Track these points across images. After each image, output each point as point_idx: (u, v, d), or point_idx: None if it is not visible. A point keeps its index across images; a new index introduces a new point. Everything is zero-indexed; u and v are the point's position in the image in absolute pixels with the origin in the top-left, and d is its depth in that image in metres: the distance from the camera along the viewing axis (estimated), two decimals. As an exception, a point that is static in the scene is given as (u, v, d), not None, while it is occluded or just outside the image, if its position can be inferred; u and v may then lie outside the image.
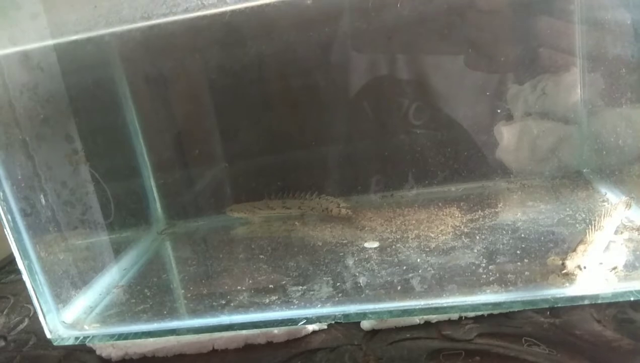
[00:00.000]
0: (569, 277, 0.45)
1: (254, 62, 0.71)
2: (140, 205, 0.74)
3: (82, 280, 0.61)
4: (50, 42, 0.60)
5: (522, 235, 0.58)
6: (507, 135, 0.79)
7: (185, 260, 0.69)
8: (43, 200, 0.57)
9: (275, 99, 0.78)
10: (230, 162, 0.79)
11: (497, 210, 0.66)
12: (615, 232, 0.54)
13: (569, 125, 0.75)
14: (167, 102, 0.77)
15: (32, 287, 0.54)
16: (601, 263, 0.47)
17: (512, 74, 0.76)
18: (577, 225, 0.58)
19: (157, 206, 0.76)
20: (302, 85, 0.74)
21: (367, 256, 0.60)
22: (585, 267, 0.45)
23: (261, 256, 0.64)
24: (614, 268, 0.48)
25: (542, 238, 0.57)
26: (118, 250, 0.68)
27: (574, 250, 0.49)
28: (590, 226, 0.51)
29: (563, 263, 0.46)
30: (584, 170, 0.71)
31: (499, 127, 0.79)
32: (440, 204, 0.71)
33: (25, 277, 0.54)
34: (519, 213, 0.65)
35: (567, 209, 0.63)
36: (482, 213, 0.66)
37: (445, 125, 0.73)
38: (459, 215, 0.66)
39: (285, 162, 0.77)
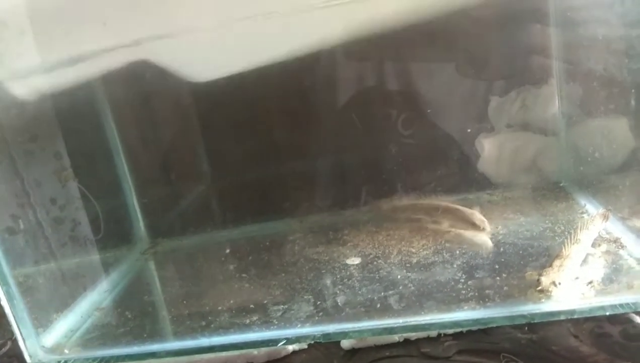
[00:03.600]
0: (544, 293, 0.45)
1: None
2: (123, 224, 0.74)
3: (63, 303, 0.61)
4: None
5: (502, 249, 0.58)
6: (488, 147, 0.79)
7: (168, 281, 0.69)
8: (22, 224, 0.57)
9: (261, 115, 0.78)
10: (215, 178, 0.80)
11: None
12: (593, 245, 0.55)
13: (548, 137, 0.76)
14: (149, 119, 0.78)
15: (11, 313, 0.54)
16: (577, 278, 0.48)
17: (494, 85, 0.78)
18: (556, 238, 0.58)
19: (140, 225, 0.76)
20: (288, 102, 0.75)
21: (348, 273, 0.60)
22: (560, 283, 0.45)
23: (243, 274, 0.64)
24: (590, 282, 0.48)
25: (521, 252, 0.57)
26: (100, 271, 0.68)
27: (550, 265, 0.49)
28: (567, 240, 0.52)
29: (538, 280, 0.46)
30: (564, 182, 0.71)
31: (480, 139, 0.80)
32: (422, 217, 0.71)
33: (3, 302, 0.54)
34: (499, 226, 0.65)
35: (547, 221, 0.63)
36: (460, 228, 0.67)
37: (427, 139, 0.74)
38: (441, 228, 0.67)
39: (271, 177, 0.77)
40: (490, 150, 0.79)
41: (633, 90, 0.48)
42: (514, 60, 0.74)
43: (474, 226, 0.61)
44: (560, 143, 0.72)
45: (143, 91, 0.73)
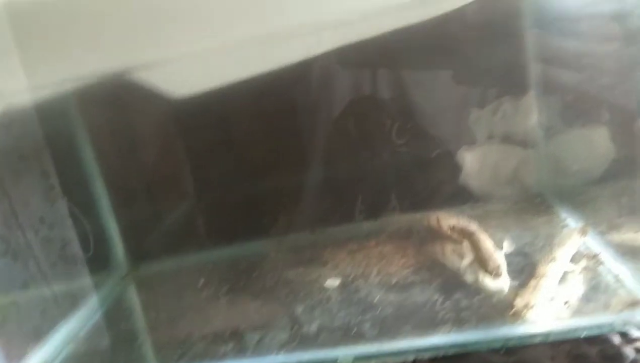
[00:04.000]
0: (518, 316, 0.45)
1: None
2: (102, 249, 0.73)
3: (37, 334, 0.60)
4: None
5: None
6: (469, 160, 0.79)
7: (147, 307, 0.68)
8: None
9: (241, 132, 0.78)
10: (196, 199, 0.79)
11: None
12: (572, 261, 0.54)
13: (529, 149, 0.76)
14: (128, 139, 0.77)
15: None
16: (553, 298, 0.47)
17: (474, 97, 0.77)
18: (535, 254, 0.58)
19: (120, 249, 0.75)
20: (269, 118, 0.74)
21: (326, 296, 0.59)
22: (534, 305, 0.45)
23: (220, 300, 0.63)
24: (567, 302, 0.47)
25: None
26: (78, 298, 0.67)
27: (526, 285, 0.48)
28: (542, 258, 0.51)
29: (513, 302, 0.46)
30: (545, 194, 0.71)
31: (461, 152, 0.79)
32: (403, 234, 0.71)
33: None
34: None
35: (527, 236, 0.63)
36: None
37: (406, 158, 0.74)
38: (419, 245, 0.66)
39: (253, 196, 0.76)
40: (471, 163, 0.79)
41: (605, 104, 0.48)
42: (493, 72, 0.74)
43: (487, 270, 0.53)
44: (539, 154, 0.71)
45: (121, 110, 0.72)
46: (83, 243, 0.69)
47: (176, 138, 0.76)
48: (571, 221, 0.63)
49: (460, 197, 0.77)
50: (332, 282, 0.62)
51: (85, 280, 0.69)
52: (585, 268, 0.54)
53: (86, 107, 0.70)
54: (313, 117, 0.76)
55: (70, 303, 0.66)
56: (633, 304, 0.44)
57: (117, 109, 0.67)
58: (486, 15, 0.68)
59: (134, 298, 0.70)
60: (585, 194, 0.59)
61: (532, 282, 0.47)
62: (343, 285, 0.61)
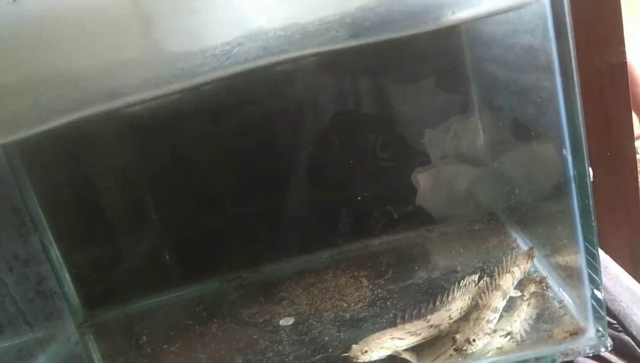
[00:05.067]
0: (459, 352, 0.44)
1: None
2: (53, 299, 0.71)
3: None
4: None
5: (431, 299, 0.57)
6: (423, 181, 0.79)
7: (102, 358, 0.66)
8: None
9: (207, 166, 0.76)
10: (151, 239, 0.77)
11: (412, 266, 0.66)
12: (519, 287, 0.54)
13: (480, 168, 0.76)
14: (73, 176, 0.74)
15: None
16: (495, 331, 0.47)
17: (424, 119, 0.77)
18: (485, 280, 0.58)
19: (73, 298, 0.73)
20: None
21: (279, 337, 0.58)
22: (474, 340, 0.44)
23: (172, 348, 0.61)
24: (508, 334, 0.47)
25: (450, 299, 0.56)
26: (28, 356, 0.65)
27: (467, 319, 0.48)
28: (485, 287, 0.51)
29: (454, 338, 0.45)
30: (498, 213, 0.71)
31: (415, 174, 0.79)
32: (359, 264, 0.70)
33: None
34: (433, 269, 0.64)
35: (478, 260, 0.62)
36: (396, 273, 0.64)
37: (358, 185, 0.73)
38: (375, 276, 0.66)
39: (209, 233, 0.75)
40: (425, 185, 0.79)
41: (528, 127, 0.48)
42: (444, 95, 0.74)
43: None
44: (489, 173, 0.71)
45: (64, 158, 0.71)
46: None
47: (125, 172, 0.74)
48: (521, 242, 0.63)
49: (417, 219, 0.77)
50: (286, 322, 0.61)
51: (37, 334, 0.67)
52: (533, 294, 0.54)
53: (29, 158, 0.68)
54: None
55: (22, 360, 0.65)
56: (574, 333, 0.44)
57: (60, 158, 0.66)
58: (435, 48, 0.68)
59: (89, 349, 0.68)
60: (529, 214, 0.59)
61: (474, 315, 0.47)
62: (297, 324, 0.60)
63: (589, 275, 0.40)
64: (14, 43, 0.39)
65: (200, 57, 0.37)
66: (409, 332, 0.47)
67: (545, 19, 0.35)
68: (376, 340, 0.46)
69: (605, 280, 0.59)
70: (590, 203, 0.38)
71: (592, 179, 0.39)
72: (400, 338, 0.47)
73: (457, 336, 0.45)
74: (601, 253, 0.64)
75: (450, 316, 0.49)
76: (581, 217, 0.39)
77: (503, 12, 0.37)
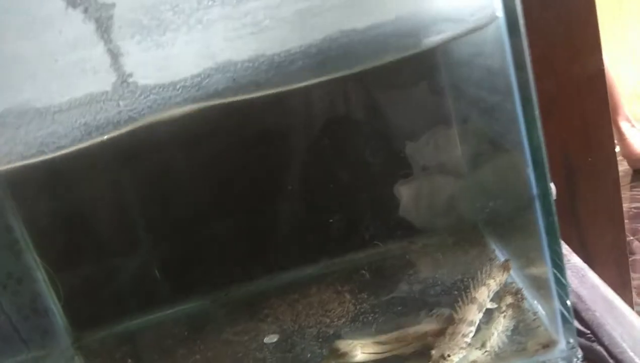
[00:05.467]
0: (436, 369, 0.45)
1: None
2: (40, 321, 0.72)
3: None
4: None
5: (411, 313, 0.58)
6: (405, 194, 0.80)
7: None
8: None
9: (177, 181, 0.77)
10: (137, 257, 0.78)
11: (394, 279, 0.67)
12: (495, 299, 0.55)
13: (460, 179, 0.77)
14: (56, 195, 0.75)
15: None
16: (470, 344, 0.48)
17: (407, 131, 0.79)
18: (464, 293, 0.59)
19: (60, 319, 0.74)
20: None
21: (263, 355, 0.59)
22: (449, 355, 0.45)
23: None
24: (482, 345, 0.48)
25: (430, 313, 0.57)
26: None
27: (443, 333, 0.49)
28: (460, 300, 0.52)
29: (430, 353, 0.46)
30: (478, 224, 0.72)
31: (397, 186, 0.81)
32: (343, 278, 0.71)
33: None
34: (415, 282, 0.65)
35: (457, 273, 0.63)
36: (379, 287, 0.65)
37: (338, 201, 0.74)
38: (358, 290, 0.67)
39: (206, 250, 0.76)
40: (407, 197, 0.80)
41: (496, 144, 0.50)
42: (425, 109, 0.75)
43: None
44: (468, 184, 0.73)
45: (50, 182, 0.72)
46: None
47: (110, 190, 0.75)
48: (499, 253, 0.64)
49: (400, 232, 0.78)
50: (270, 339, 0.62)
51: (25, 356, 0.68)
52: (509, 305, 0.55)
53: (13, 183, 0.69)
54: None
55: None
56: (546, 345, 0.45)
57: (44, 184, 0.67)
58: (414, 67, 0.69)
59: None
60: (506, 225, 0.60)
61: (450, 329, 0.48)
62: (281, 341, 0.61)
63: (557, 289, 0.41)
64: (-10, 79, 0.40)
65: (171, 88, 0.39)
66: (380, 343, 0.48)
67: (502, 42, 0.37)
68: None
69: (582, 289, 0.60)
70: (555, 220, 0.40)
71: (554, 197, 0.40)
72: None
73: (433, 351, 0.46)
74: (579, 262, 0.65)
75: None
76: (547, 233, 0.40)
77: (459, 37, 0.39)
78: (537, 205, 0.39)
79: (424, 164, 0.83)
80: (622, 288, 1.02)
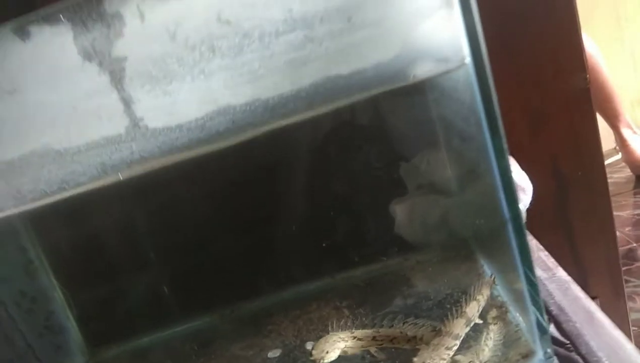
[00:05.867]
0: (419, 378, 0.48)
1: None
2: (56, 338, 0.76)
3: None
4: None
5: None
6: (399, 212, 0.84)
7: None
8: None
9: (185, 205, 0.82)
10: (150, 275, 0.82)
11: (390, 294, 0.71)
12: (483, 313, 0.58)
13: (451, 198, 0.81)
14: (76, 231, 0.80)
15: None
16: (452, 356, 0.51)
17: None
18: (454, 308, 0.62)
19: (76, 336, 0.78)
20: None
21: (266, 369, 0.63)
22: (434, 367, 0.49)
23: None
24: (473, 358, 0.51)
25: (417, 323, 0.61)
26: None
27: (427, 343, 0.52)
28: (450, 314, 0.55)
29: (412, 360, 0.49)
30: (469, 240, 0.76)
31: (392, 205, 0.85)
32: (342, 294, 0.75)
33: None
34: (409, 296, 0.69)
35: (448, 287, 0.67)
36: (375, 302, 0.69)
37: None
38: (356, 305, 0.70)
39: (213, 268, 0.80)
40: (402, 215, 0.84)
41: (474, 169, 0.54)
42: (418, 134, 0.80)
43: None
44: (459, 202, 0.76)
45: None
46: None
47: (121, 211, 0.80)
48: (487, 269, 0.68)
49: (396, 249, 0.82)
50: (274, 353, 0.66)
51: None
52: (495, 318, 0.59)
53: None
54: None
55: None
56: (525, 356, 0.48)
57: (63, 217, 0.72)
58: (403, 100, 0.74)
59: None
60: (490, 243, 0.64)
61: (435, 340, 0.51)
62: (283, 355, 0.65)
63: (532, 302, 0.45)
64: (14, 126, 0.45)
65: (177, 131, 0.43)
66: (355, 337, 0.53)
67: (472, 83, 0.41)
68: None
69: (565, 301, 0.63)
70: (526, 241, 0.43)
71: (525, 220, 0.44)
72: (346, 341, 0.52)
73: (415, 359, 0.49)
74: (564, 275, 0.69)
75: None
76: (519, 253, 0.43)
77: (435, 77, 0.43)
78: (510, 227, 0.43)
79: (417, 184, 0.87)
80: (616, 296, 1.05)
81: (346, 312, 0.69)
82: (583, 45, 0.99)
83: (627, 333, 1.07)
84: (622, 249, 2.08)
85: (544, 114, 0.95)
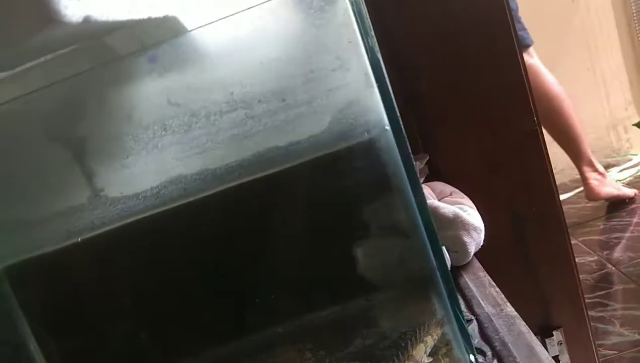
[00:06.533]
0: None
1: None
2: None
3: None
4: None
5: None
6: (361, 255, 0.89)
7: None
8: None
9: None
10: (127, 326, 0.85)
11: (350, 335, 0.74)
12: (432, 353, 0.62)
13: (408, 239, 0.86)
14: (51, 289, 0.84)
15: None
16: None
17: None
18: (399, 352, 0.66)
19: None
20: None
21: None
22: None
23: None
24: (416, 397, 0.55)
25: (376, 367, 0.65)
26: None
27: (379, 387, 0.56)
28: (397, 358, 0.59)
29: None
30: (425, 281, 0.80)
31: (355, 247, 0.89)
32: (306, 337, 0.78)
33: None
34: (367, 336, 0.73)
35: (404, 326, 0.71)
36: (336, 343, 0.72)
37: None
38: (317, 348, 0.74)
39: (185, 317, 0.83)
40: (364, 257, 0.88)
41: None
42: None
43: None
44: (412, 244, 0.81)
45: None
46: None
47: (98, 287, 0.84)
48: (438, 308, 0.72)
49: (358, 290, 0.86)
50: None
51: None
52: (443, 355, 0.63)
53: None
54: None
55: None
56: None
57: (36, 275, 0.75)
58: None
59: None
60: (436, 284, 0.68)
61: (384, 385, 0.55)
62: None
63: (464, 342, 0.49)
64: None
65: (135, 199, 0.48)
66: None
67: (393, 146, 0.47)
68: None
69: (509, 336, 0.67)
70: (452, 286, 0.48)
71: (449, 267, 0.48)
72: None
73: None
74: (511, 312, 0.73)
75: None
76: (448, 297, 0.48)
77: (362, 143, 0.48)
78: (438, 275, 0.47)
79: (375, 227, 0.92)
80: (579, 324, 1.09)
81: (309, 354, 0.73)
82: (529, 92, 1.06)
83: (592, 359, 1.11)
84: (599, 273, 2.14)
85: (496, 156, 1.02)
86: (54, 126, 0.48)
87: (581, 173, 2.17)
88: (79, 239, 0.47)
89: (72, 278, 0.75)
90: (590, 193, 2.20)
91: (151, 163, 0.48)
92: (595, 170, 2.15)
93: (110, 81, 0.46)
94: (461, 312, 0.48)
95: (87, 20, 0.30)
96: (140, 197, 0.48)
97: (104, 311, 0.82)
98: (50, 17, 0.28)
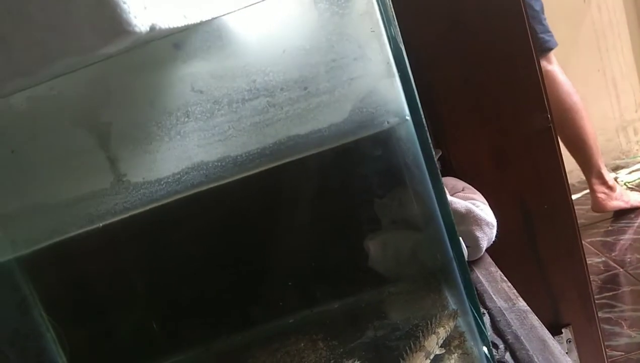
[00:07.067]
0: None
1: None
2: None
3: None
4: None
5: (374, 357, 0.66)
6: (372, 248, 0.89)
7: None
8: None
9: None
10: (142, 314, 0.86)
11: (362, 326, 0.75)
12: (444, 344, 0.63)
13: (421, 232, 0.86)
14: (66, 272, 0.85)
15: None
16: (417, 386, 0.55)
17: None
18: (411, 342, 0.66)
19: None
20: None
21: (245, 402, 0.67)
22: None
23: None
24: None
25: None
26: None
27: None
28: (409, 348, 0.60)
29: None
30: (436, 273, 0.81)
31: (366, 241, 0.90)
32: (318, 327, 0.79)
33: None
34: (380, 328, 0.73)
35: (415, 319, 0.72)
36: (348, 334, 0.73)
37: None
38: (330, 338, 0.74)
39: (198, 304, 0.84)
40: (375, 250, 0.89)
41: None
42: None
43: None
44: (426, 236, 0.82)
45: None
46: None
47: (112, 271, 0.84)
48: (451, 300, 0.72)
49: (370, 282, 0.86)
50: (253, 387, 0.70)
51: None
52: (456, 347, 0.63)
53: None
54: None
55: None
56: (477, 383, 0.53)
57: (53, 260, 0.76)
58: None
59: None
60: (447, 276, 0.69)
61: (398, 374, 0.55)
62: (262, 389, 0.69)
63: (478, 333, 0.49)
64: (12, 182, 0.50)
65: (157, 184, 0.49)
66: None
67: (413, 135, 0.47)
68: None
69: (522, 330, 0.68)
70: (469, 276, 0.48)
71: (467, 258, 0.49)
72: None
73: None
74: (523, 306, 0.74)
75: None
76: (464, 287, 0.48)
77: (382, 132, 0.49)
78: (454, 265, 0.48)
79: (390, 219, 0.93)
80: (588, 322, 1.09)
81: (321, 344, 0.73)
82: (543, 89, 1.06)
83: (601, 357, 1.11)
84: (607, 275, 2.13)
85: (508, 153, 1.02)
86: (79, 111, 0.48)
87: (590, 185, 2.16)
88: (101, 225, 0.48)
89: (92, 265, 0.77)
90: (596, 206, 2.20)
91: (173, 149, 0.48)
92: (604, 183, 2.14)
93: (135, 67, 0.47)
94: (477, 302, 0.49)
95: (152, 29, 0.30)
96: (162, 182, 0.49)
97: (124, 297, 0.83)
98: (121, 28, 0.29)
